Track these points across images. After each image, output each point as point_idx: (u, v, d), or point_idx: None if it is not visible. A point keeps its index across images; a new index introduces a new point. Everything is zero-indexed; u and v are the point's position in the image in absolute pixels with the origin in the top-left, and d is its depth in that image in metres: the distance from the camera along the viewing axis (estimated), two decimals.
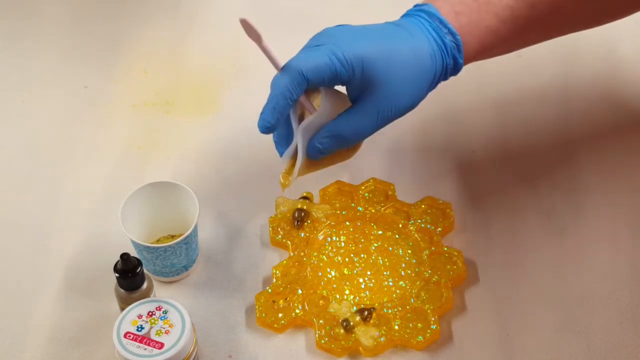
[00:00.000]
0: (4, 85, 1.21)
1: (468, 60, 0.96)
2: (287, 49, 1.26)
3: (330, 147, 0.93)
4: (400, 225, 1.05)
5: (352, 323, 0.97)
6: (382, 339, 0.96)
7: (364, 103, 0.92)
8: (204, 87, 1.20)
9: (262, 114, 0.90)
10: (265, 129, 0.90)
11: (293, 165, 0.94)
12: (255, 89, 1.19)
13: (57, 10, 1.27)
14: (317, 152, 0.93)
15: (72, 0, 1.28)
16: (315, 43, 0.92)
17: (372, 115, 0.92)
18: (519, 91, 1.18)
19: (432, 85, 0.95)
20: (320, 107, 0.92)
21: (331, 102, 0.92)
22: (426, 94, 0.94)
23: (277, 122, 0.90)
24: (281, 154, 0.95)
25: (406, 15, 0.96)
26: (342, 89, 0.94)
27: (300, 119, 0.94)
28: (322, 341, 0.97)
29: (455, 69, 0.95)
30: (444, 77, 0.95)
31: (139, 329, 0.92)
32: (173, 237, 1.04)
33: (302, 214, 1.05)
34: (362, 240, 1.04)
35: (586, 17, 0.99)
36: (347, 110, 0.93)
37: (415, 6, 0.96)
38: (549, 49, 1.20)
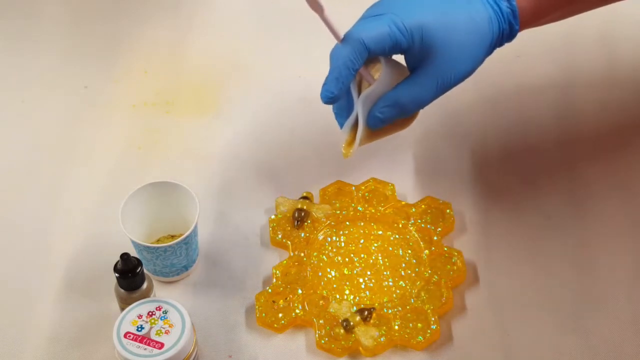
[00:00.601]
0: (4, 85, 1.21)
1: (523, 27, 0.96)
2: (287, 49, 1.26)
3: (391, 116, 0.93)
4: (400, 225, 1.05)
5: (352, 323, 0.97)
6: (382, 339, 0.96)
7: (423, 71, 0.92)
8: (204, 87, 1.19)
9: (324, 85, 0.91)
10: (328, 99, 0.90)
11: (353, 135, 0.95)
12: (255, 89, 1.19)
13: (57, 10, 1.27)
14: (378, 122, 0.93)
15: (72, 0, 1.28)
16: (373, 13, 0.92)
17: (431, 83, 0.92)
18: (519, 91, 1.17)
19: (489, 51, 0.95)
20: (380, 77, 0.92)
21: (391, 71, 0.92)
22: (483, 60, 0.94)
23: (340, 92, 0.90)
24: (341, 125, 0.95)
25: None
26: (399, 58, 0.94)
27: (358, 89, 0.94)
28: (322, 341, 0.97)
29: (511, 35, 0.95)
30: (500, 43, 0.95)
31: (139, 329, 0.92)
32: (173, 237, 1.04)
33: (302, 214, 1.05)
34: (362, 240, 1.04)
35: None
36: (406, 79, 0.93)
37: None
38: (549, 49, 1.20)
